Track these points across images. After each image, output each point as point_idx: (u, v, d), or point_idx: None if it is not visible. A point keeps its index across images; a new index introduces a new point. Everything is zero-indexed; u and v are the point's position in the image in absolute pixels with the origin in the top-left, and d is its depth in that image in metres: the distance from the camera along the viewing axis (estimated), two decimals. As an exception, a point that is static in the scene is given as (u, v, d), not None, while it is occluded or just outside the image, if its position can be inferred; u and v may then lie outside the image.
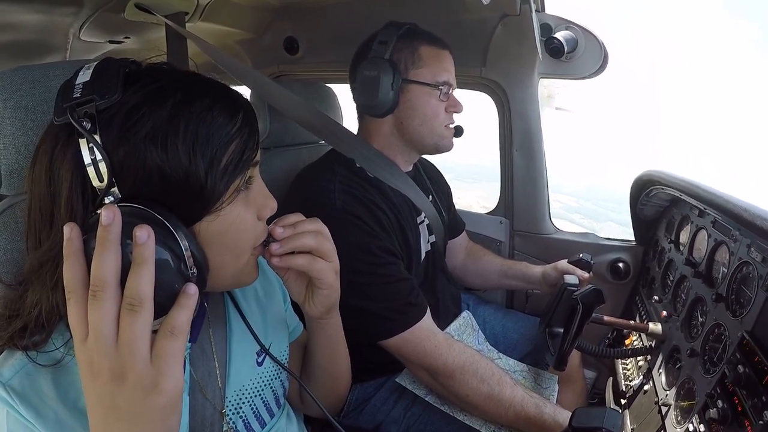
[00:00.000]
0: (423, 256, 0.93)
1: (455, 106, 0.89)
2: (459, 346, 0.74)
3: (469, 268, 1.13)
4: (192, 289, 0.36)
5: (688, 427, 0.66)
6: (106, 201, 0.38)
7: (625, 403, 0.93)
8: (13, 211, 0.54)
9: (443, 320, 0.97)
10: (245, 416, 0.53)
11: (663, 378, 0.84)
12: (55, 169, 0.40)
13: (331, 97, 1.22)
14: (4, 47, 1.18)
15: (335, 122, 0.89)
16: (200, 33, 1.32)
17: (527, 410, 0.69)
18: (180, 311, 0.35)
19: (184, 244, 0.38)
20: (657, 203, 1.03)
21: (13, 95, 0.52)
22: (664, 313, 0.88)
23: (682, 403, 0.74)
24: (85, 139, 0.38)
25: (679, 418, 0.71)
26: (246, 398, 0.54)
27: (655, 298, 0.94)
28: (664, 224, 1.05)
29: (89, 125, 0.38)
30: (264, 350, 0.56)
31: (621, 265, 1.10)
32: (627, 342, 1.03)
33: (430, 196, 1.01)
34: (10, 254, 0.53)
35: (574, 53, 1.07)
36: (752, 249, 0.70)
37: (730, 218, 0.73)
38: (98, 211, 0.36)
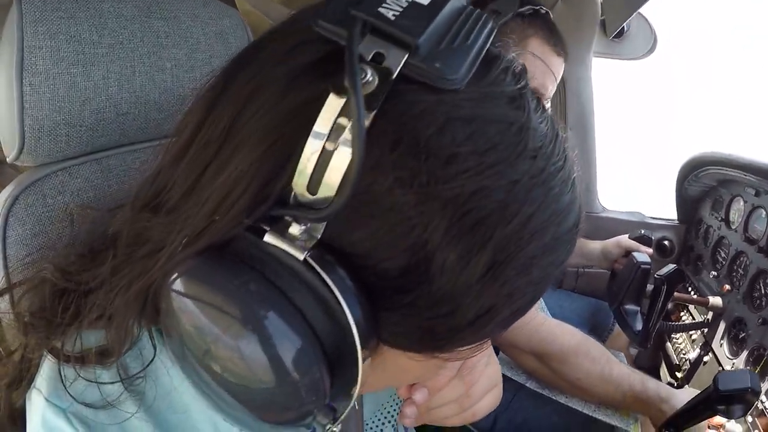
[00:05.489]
0: None
1: None
2: (569, 328, 0.74)
3: None
4: None
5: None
6: (297, 231, 0.20)
7: (682, 376, 0.97)
8: (41, 188, 0.41)
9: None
10: None
11: (725, 348, 0.88)
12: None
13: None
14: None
15: None
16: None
17: (634, 387, 0.70)
18: None
19: None
20: (705, 183, 1.08)
21: (49, 17, 0.37)
22: (727, 287, 0.92)
23: (751, 369, 0.78)
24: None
25: None
26: (387, 418, 0.48)
27: (713, 273, 0.98)
28: (709, 203, 1.09)
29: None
30: None
31: (666, 243, 1.14)
32: (674, 318, 1.08)
33: None
34: (37, 246, 0.40)
35: (626, 34, 1.08)
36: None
37: None
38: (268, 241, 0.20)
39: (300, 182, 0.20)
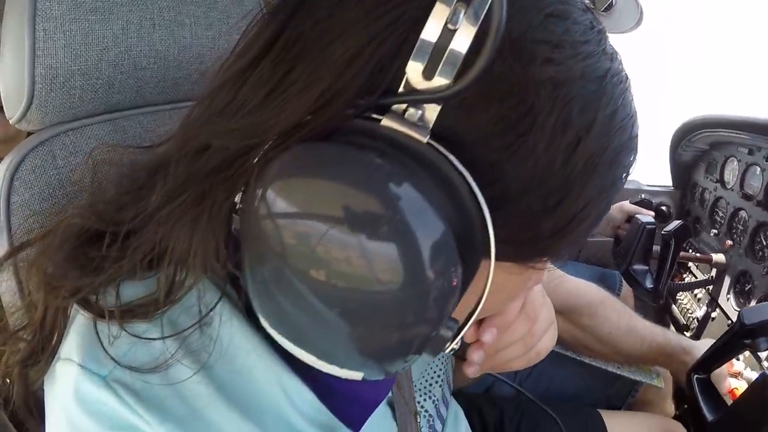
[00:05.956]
0: None
1: None
2: (589, 283, 0.74)
3: None
4: None
5: None
6: (413, 117, 0.20)
7: (691, 335, 1.00)
8: (50, 149, 0.38)
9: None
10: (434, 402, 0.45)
11: (732, 302, 0.91)
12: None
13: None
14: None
15: None
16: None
17: (657, 339, 0.70)
18: None
19: None
20: (697, 147, 1.11)
21: None
22: (729, 242, 0.95)
23: None
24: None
25: None
26: (434, 378, 0.47)
27: (714, 232, 1.01)
28: (702, 167, 1.13)
29: None
30: None
31: (664, 208, 1.17)
32: (676, 279, 1.11)
33: None
34: (45, 211, 0.37)
35: (614, 8, 1.11)
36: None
37: None
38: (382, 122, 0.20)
39: (416, 66, 0.19)
